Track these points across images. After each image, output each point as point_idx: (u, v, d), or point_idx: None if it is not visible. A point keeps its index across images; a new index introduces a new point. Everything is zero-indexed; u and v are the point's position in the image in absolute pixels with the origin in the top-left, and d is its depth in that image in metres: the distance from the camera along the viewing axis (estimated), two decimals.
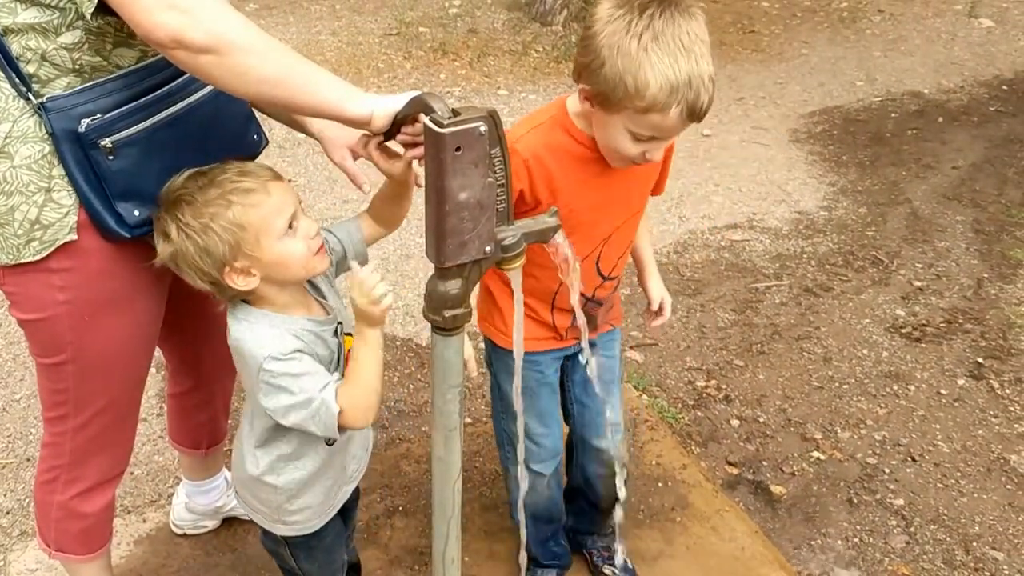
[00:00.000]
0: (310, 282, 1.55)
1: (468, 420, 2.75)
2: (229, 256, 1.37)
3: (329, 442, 1.58)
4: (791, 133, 4.79)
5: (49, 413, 1.71)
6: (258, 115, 1.69)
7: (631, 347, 3.10)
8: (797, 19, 6.45)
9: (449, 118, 1.19)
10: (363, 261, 1.63)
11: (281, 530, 1.67)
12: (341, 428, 1.43)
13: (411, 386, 2.90)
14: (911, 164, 4.48)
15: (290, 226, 1.41)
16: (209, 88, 1.52)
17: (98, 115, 1.39)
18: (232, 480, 1.72)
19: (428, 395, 2.89)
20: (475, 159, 1.22)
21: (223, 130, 1.57)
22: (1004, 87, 5.41)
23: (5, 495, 2.45)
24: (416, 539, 2.30)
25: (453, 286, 1.34)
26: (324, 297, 1.56)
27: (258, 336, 1.42)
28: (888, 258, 3.69)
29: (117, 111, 1.41)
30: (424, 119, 1.22)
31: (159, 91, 1.45)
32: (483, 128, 1.20)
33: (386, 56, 5.49)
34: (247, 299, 1.47)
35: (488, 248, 1.32)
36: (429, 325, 1.43)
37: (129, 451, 1.85)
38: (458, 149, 1.19)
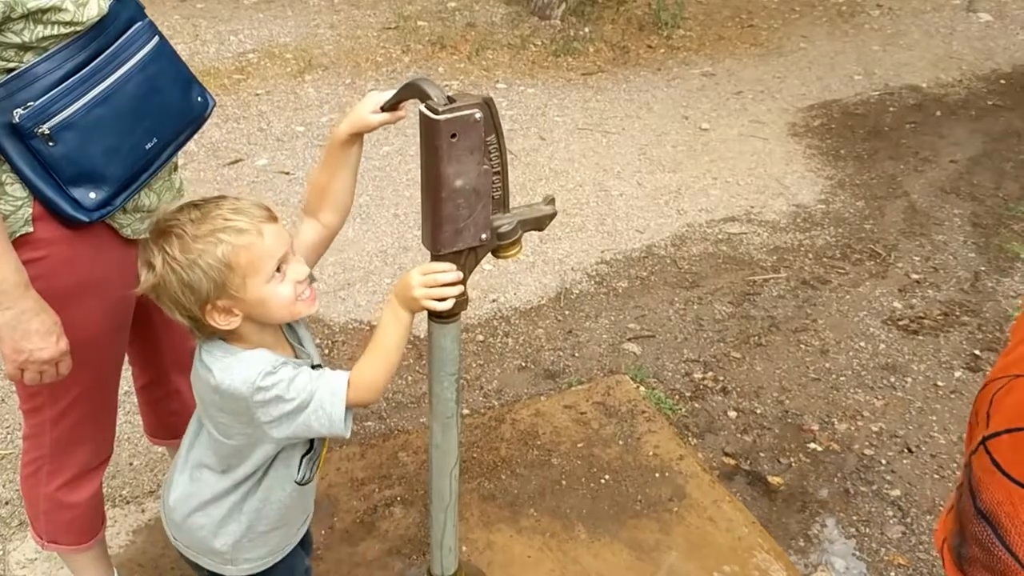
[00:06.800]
0: (289, 325, 1.50)
1: (466, 411, 2.76)
2: (213, 295, 1.32)
3: (302, 481, 1.53)
4: (789, 127, 4.80)
5: (25, 405, 1.71)
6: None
7: (628, 339, 3.10)
8: (796, 13, 6.46)
9: (445, 105, 1.19)
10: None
11: (231, 571, 1.59)
12: (352, 407, 1.38)
13: (409, 377, 2.91)
14: (909, 158, 4.48)
15: (279, 269, 1.35)
16: (137, 59, 1.52)
17: (29, 103, 1.40)
18: (169, 526, 1.61)
19: (426, 386, 2.90)
20: (471, 146, 1.22)
21: (162, 98, 1.57)
22: (1002, 81, 5.41)
23: (4, 485, 2.46)
24: (414, 529, 2.31)
25: None
26: (300, 343, 1.51)
27: (244, 361, 1.36)
28: (886, 251, 3.70)
29: (48, 95, 1.41)
30: (420, 106, 1.22)
31: (85, 69, 1.45)
32: (478, 115, 1.20)
33: (384, 50, 5.49)
34: (224, 336, 1.41)
35: (484, 235, 1.33)
36: (426, 315, 1.44)
37: (110, 439, 1.84)
38: (453, 136, 1.20)
